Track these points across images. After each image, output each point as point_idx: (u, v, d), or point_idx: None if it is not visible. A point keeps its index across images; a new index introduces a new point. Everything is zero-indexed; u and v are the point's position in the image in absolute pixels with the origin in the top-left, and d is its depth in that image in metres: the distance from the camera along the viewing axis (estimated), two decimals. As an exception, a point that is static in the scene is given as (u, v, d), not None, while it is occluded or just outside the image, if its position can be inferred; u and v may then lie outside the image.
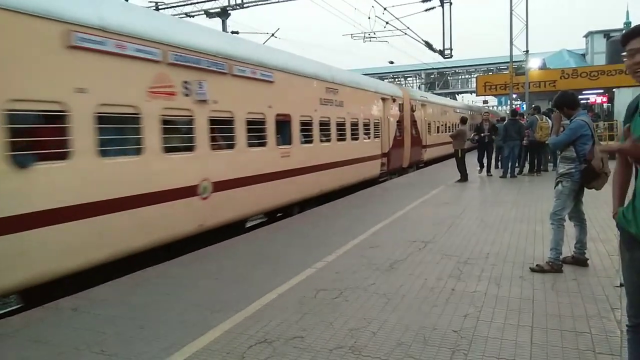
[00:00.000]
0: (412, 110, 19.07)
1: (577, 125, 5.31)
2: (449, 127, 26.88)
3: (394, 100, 16.95)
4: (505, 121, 16.11)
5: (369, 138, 14.54)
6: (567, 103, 5.48)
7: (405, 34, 21.46)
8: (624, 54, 2.43)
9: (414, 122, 19.35)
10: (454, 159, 14.89)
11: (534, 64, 25.91)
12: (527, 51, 22.90)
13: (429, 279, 5.17)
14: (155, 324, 4.21)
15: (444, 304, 4.43)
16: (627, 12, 38.29)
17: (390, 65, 43.87)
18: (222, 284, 5.29)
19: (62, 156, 5.20)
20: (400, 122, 17.51)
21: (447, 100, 32.02)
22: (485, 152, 16.04)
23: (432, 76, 56.26)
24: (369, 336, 3.80)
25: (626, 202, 2.61)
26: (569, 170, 5.37)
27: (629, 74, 2.48)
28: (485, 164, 15.89)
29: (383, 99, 15.94)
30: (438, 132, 24.40)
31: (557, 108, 5.59)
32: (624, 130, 2.52)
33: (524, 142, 14.81)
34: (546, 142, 13.76)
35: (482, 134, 15.72)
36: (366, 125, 14.35)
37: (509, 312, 4.19)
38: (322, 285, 5.07)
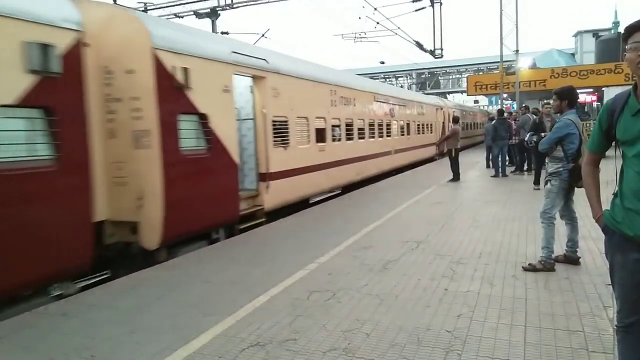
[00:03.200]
0: (180, 87, 6.95)
1: (563, 124, 5.34)
2: (380, 127, 15.96)
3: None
4: (494, 121, 16.02)
5: None
6: (571, 99, 5.47)
7: (396, 34, 21.52)
8: (628, 46, 2.39)
9: (201, 125, 7.44)
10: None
11: (524, 63, 26.17)
12: (517, 51, 23.08)
13: (422, 279, 5.16)
14: (146, 328, 4.16)
15: (437, 304, 4.42)
16: (616, 12, 38.68)
17: (381, 65, 44.03)
18: (213, 287, 5.25)
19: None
20: (68, 123, 5.41)
21: (353, 80, 15.17)
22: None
23: (423, 76, 56.43)
24: (363, 337, 3.78)
25: (608, 203, 2.59)
26: (557, 170, 5.41)
27: (629, 67, 2.44)
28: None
29: None
30: (322, 140, 11.75)
31: (559, 98, 5.45)
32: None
33: (512, 141, 14.90)
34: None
35: (543, 134, 13.08)
36: None
37: (502, 312, 4.19)
38: (314, 287, 5.04)
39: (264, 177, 9.28)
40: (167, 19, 19.17)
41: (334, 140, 12.50)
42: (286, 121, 10.03)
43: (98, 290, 5.28)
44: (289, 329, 4.00)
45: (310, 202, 11.74)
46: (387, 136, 16.85)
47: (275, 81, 9.58)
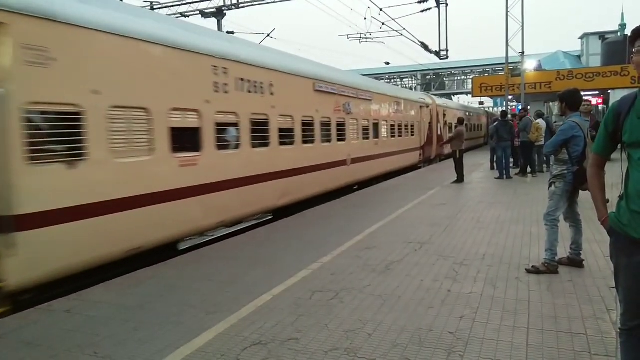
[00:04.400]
0: None
1: (567, 127, 5.33)
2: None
3: None
4: (497, 122, 15.98)
5: None
6: (571, 102, 5.46)
7: (401, 34, 21.51)
8: (634, 49, 2.40)
9: None
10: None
11: (529, 65, 26.14)
12: (522, 52, 23.00)
13: (425, 281, 5.16)
14: (149, 325, 4.17)
15: (440, 306, 4.42)
16: (622, 14, 38.52)
17: (387, 66, 43.97)
18: (216, 286, 5.26)
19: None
20: None
21: (268, 55, 9.83)
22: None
23: (428, 77, 56.42)
24: (365, 338, 3.78)
25: (614, 205, 2.59)
26: (561, 172, 5.40)
27: (636, 70, 2.44)
28: None
29: None
30: (191, 148, 7.20)
31: (560, 100, 5.53)
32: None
33: (517, 142, 14.89)
34: (536, 144, 13.91)
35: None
36: None
37: (504, 314, 4.18)
38: (317, 287, 5.05)
39: (6, 224, 4.73)
40: (175, 17, 19.24)
41: (221, 147, 7.86)
42: (76, 114, 5.41)
43: (101, 288, 5.30)
44: (292, 329, 4.00)
45: (181, 249, 7.48)
46: (339, 140, 12.55)
47: (39, 33, 5.03)
